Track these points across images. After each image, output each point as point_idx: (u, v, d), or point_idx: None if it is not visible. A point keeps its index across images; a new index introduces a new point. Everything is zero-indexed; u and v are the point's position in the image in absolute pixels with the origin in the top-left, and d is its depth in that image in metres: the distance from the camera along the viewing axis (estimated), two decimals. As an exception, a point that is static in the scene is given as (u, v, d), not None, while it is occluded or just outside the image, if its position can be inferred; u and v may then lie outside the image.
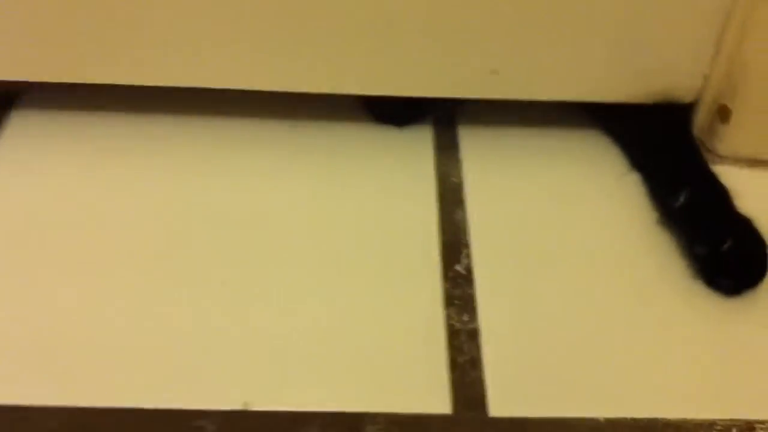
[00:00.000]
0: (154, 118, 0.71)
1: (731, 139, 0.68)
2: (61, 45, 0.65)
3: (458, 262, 0.61)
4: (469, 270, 0.60)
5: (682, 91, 0.68)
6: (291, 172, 0.67)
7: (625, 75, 0.67)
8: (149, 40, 0.65)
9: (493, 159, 0.70)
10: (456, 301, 0.58)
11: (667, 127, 0.68)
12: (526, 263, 0.61)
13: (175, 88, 0.66)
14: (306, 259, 0.60)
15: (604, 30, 0.63)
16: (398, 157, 0.70)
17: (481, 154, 0.70)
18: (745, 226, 0.60)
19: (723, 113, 0.68)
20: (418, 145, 0.71)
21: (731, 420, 0.51)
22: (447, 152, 0.70)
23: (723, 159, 0.69)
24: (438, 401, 0.52)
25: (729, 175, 0.64)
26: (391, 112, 0.72)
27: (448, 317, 0.57)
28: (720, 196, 0.62)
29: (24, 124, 0.70)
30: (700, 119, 0.69)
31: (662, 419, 0.51)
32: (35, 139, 0.69)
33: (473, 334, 0.56)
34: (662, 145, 0.67)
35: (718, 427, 0.51)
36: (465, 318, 0.57)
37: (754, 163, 0.69)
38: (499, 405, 0.52)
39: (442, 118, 0.73)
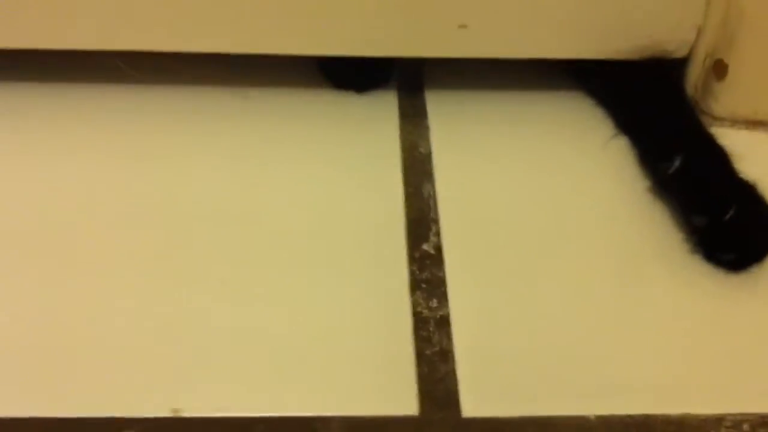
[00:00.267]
0: (87, 88, 0.63)
1: (728, 97, 0.62)
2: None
3: (426, 240, 0.53)
4: (438, 249, 0.53)
5: (672, 45, 0.61)
6: (242, 145, 0.60)
7: (609, 28, 0.60)
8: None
9: (465, 127, 0.63)
10: (423, 285, 0.51)
11: (658, 86, 0.61)
12: (502, 241, 0.54)
13: (105, 52, 0.59)
14: (253, 239, 0.53)
15: (585, -24, 0.56)
16: (359, 126, 0.62)
17: (451, 122, 0.63)
18: (748, 192, 0.53)
19: (718, 69, 0.61)
20: (381, 113, 0.64)
21: (742, 414, 0.45)
22: (413, 120, 0.63)
23: (719, 120, 0.62)
24: (403, 401, 0.45)
25: (727, 138, 0.58)
26: (350, 75, 0.65)
27: (415, 303, 0.49)
28: (719, 159, 0.55)
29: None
30: (694, 77, 0.62)
31: (661, 415, 0.45)
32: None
33: (443, 322, 0.48)
34: (652, 105, 0.60)
35: (728, 423, 0.44)
36: (433, 304, 0.49)
37: (753, 124, 0.62)
38: (473, 404, 0.45)
39: (408, 82, 0.66)
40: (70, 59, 0.61)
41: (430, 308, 0.49)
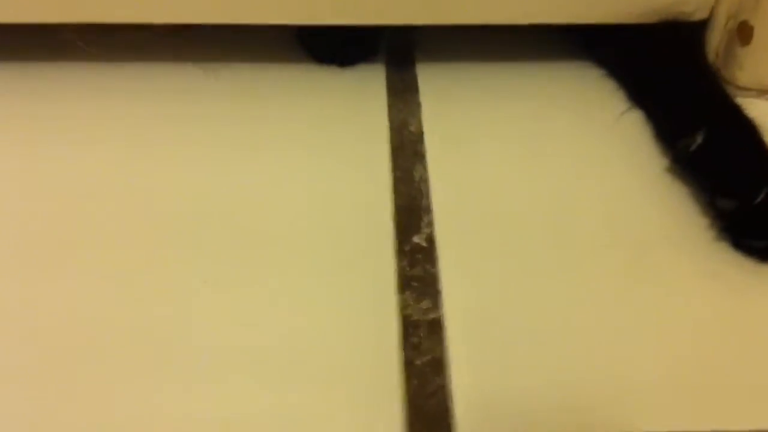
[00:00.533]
0: (42, 66, 0.57)
1: (754, 64, 0.55)
2: None
3: (417, 232, 0.47)
4: (431, 241, 0.47)
5: (690, 6, 0.55)
6: (214, 127, 0.54)
7: (620, -12, 0.53)
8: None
9: (460, 103, 0.56)
10: (414, 283, 0.44)
11: (675, 53, 0.55)
12: (502, 232, 0.48)
13: (59, 26, 0.54)
14: (229, 233, 0.47)
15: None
16: (343, 104, 0.56)
17: (445, 98, 0.57)
18: (781, 170, 0.47)
19: (743, 33, 0.54)
20: (367, 89, 0.58)
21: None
22: (403, 96, 0.57)
23: (745, 90, 0.56)
24: (387, 419, 0.39)
25: (754, 110, 0.51)
26: (332, 48, 0.59)
27: (403, 304, 0.43)
28: (747, 133, 0.49)
29: None
30: (715, 42, 0.56)
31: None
32: None
33: (436, 327, 0.42)
34: (670, 74, 0.54)
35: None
36: (425, 305, 0.43)
37: (782, 93, 0.56)
38: (469, 424, 0.39)
39: (397, 55, 0.60)
40: (20, 35, 0.55)
41: (420, 310, 0.43)
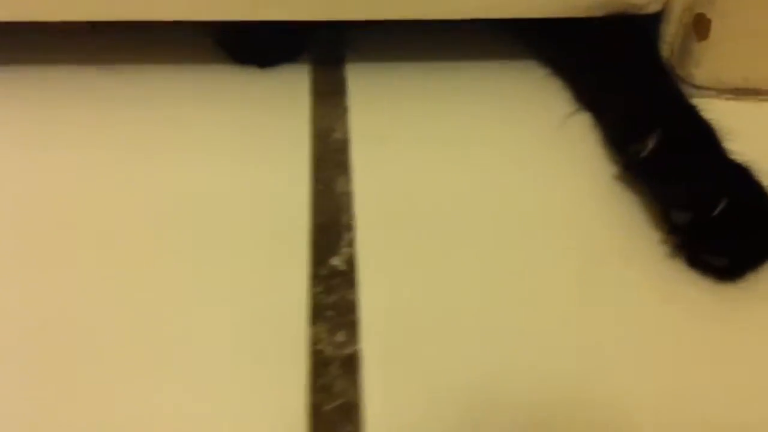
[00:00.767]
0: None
1: (712, 61, 0.50)
2: None
3: (336, 253, 0.42)
4: (350, 264, 0.41)
5: (643, -1, 0.49)
6: (116, 131, 0.49)
7: (564, -21, 0.48)
8: None
9: (392, 107, 0.51)
10: (328, 313, 0.39)
11: (626, 48, 0.50)
12: (434, 249, 0.42)
13: None
14: (125, 254, 0.41)
15: None
16: (263, 109, 0.51)
17: (376, 101, 0.52)
18: (741, 178, 0.42)
19: (700, 26, 0.50)
20: (290, 92, 0.52)
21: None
22: (329, 99, 0.52)
23: (703, 90, 0.51)
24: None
25: (713, 111, 0.46)
26: (253, 48, 0.54)
27: (315, 338, 0.38)
28: (704, 137, 0.44)
29: None
30: (670, 37, 0.51)
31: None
32: None
33: (350, 364, 0.37)
34: (620, 72, 0.49)
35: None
36: (340, 338, 0.38)
37: (744, 92, 0.51)
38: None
39: (324, 54, 0.55)
40: None
41: (334, 344, 0.38)
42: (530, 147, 0.48)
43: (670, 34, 0.51)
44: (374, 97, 0.52)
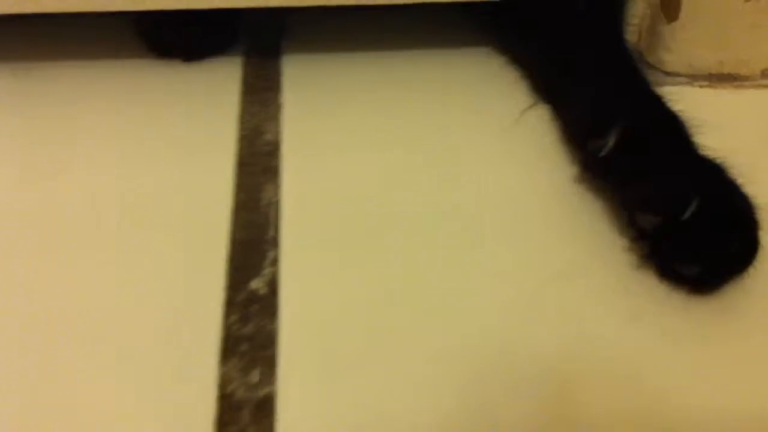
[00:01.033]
0: None
1: (683, 44, 0.46)
2: None
3: (257, 274, 0.37)
4: (272, 286, 0.36)
5: (605, -24, 0.44)
6: (24, 134, 0.44)
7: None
8: None
9: (333, 101, 0.46)
10: (243, 347, 0.34)
11: (586, 32, 0.45)
12: (370, 272, 0.37)
13: None
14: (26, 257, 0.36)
15: None
16: (186, 108, 0.46)
17: (315, 96, 0.47)
18: (715, 176, 0.37)
19: (668, 6, 0.45)
20: (219, 88, 0.47)
21: None
22: (261, 96, 0.47)
23: (674, 76, 0.46)
24: None
25: (684, 100, 0.41)
26: (177, 39, 0.49)
27: (225, 378, 0.33)
28: (673, 132, 0.39)
29: None
30: (637, 19, 0.47)
31: None
32: None
33: (264, 408, 0.32)
34: (583, 59, 0.44)
35: None
36: (254, 377, 0.33)
37: (719, 78, 0.46)
38: None
39: (259, 45, 0.50)
40: None
41: (247, 385, 0.33)
42: (482, 146, 0.43)
43: (637, 15, 0.46)
44: (313, 92, 0.47)
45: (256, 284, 0.36)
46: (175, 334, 0.34)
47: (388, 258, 0.38)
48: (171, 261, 0.37)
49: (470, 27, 0.49)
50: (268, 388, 0.32)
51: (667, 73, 0.46)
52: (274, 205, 0.40)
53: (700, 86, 0.46)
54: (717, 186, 0.37)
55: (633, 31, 0.46)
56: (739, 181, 0.37)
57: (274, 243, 0.38)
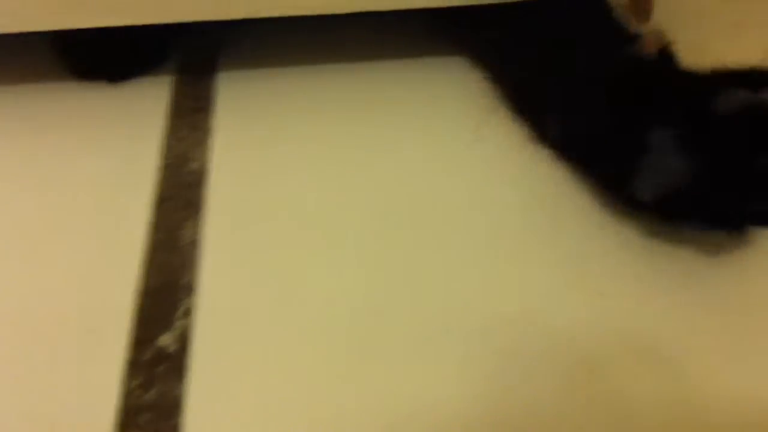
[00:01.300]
0: None
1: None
2: None
3: (167, 327, 0.32)
4: (183, 342, 0.32)
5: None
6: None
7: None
8: None
9: (269, 124, 0.42)
10: (143, 417, 0.29)
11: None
12: (292, 323, 0.33)
13: None
14: None
15: None
16: (107, 134, 0.42)
17: (250, 119, 0.42)
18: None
19: (638, 7, 0.40)
20: (144, 111, 0.43)
21: None
22: (190, 119, 0.42)
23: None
24: None
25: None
26: (99, 59, 0.44)
27: (119, 457, 0.28)
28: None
29: None
30: None
31: None
32: None
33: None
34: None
35: None
36: (153, 455, 0.28)
37: None
38: None
39: (192, 62, 0.45)
40: None
41: (144, 465, 0.28)
42: (440, 163, 0.39)
43: None
44: (248, 113, 0.42)
45: (165, 340, 0.32)
46: (67, 404, 0.30)
47: (316, 303, 0.33)
48: (71, 314, 0.32)
49: (435, 32, 0.45)
50: (168, 469, 0.28)
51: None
52: (195, 244, 0.35)
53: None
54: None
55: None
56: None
57: (189, 290, 0.33)
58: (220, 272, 0.34)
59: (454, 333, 0.32)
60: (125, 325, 0.32)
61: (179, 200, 0.37)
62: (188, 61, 0.45)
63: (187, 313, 0.33)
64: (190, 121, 0.42)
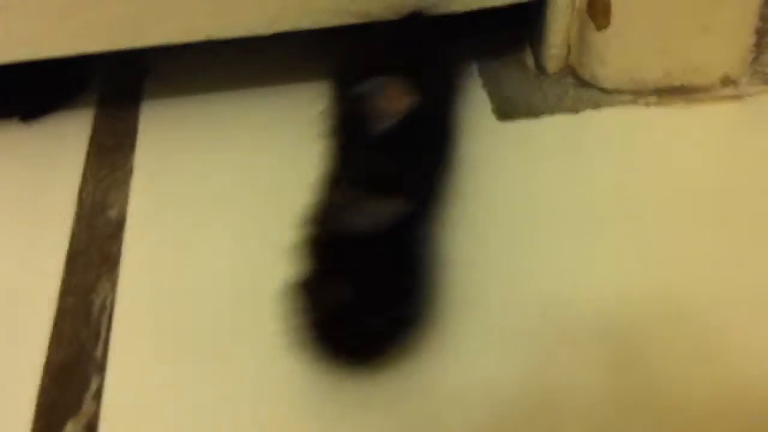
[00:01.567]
0: None
1: (620, 55, 0.37)
2: None
3: (74, 413, 0.28)
4: (91, 430, 0.28)
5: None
6: None
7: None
8: None
9: (195, 159, 0.38)
10: None
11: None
12: (216, 401, 0.29)
13: None
14: None
15: None
16: (19, 178, 0.38)
17: (175, 154, 0.38)
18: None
19: (597, 11, 0.36)
20: (60, 151, 0.39)
21: None
22: (110, 158, 0.38)
23: (615, 95, 0.37)
24: None
25: (627, 122, 0.33)
26: (9, 97, 0.40)
27: None
28: None
29: None
30: (561, 32, 0.38)
31: None
32: None
33: None
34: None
35: None
36: None
37: (668, 93, 0.38)
38: None
39: (114, 93, 0.41)
40: None
41: None
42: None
43: (559, 27, 0.37)
44: (174, 147, 0.38)
45: (71, 428, 0.28)
46: None
47: (239, 375, 0.29)
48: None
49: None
50: None
51: (606, 91, 0.38)
52: (108, 309, 0.31)
53: (647, 104, 0.37)
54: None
55: (560, 44, 0.38)
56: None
57: (101, 366, 0.30)
58: (132, 343, 0.30)
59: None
60: (28, 414, 0.28)
61: (94, 256, 0.34)
62: (113, 89, 0.41)
63: (97, 395, 0.29)
64: (109, 161, 0.38)
